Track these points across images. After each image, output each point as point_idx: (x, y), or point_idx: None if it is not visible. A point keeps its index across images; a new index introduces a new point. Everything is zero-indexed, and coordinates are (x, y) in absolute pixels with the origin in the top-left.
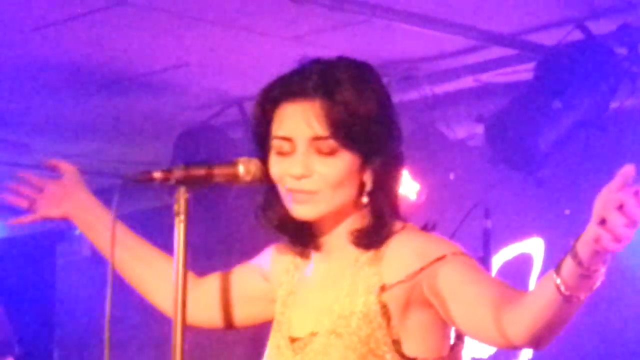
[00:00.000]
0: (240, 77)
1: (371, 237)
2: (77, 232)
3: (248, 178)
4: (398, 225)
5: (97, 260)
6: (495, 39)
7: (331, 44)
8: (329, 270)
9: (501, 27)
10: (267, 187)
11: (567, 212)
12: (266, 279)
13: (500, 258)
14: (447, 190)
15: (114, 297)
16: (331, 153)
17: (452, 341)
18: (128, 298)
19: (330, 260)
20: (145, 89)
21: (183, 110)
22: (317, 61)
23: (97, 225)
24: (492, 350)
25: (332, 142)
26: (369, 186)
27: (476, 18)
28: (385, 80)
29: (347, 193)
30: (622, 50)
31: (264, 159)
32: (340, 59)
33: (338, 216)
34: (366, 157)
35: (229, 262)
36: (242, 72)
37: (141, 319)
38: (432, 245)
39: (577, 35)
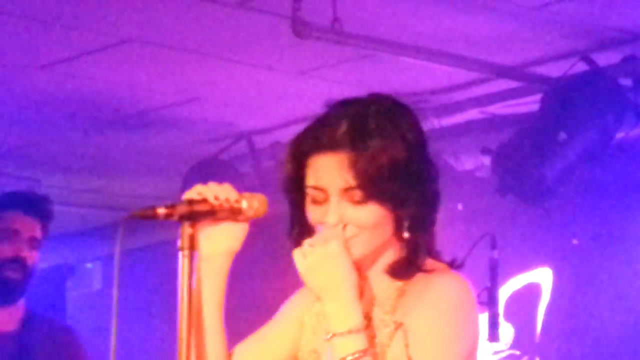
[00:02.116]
0: (248, 111)
1: (402, 269)
2: (89, 265)
3: (251, 213)
4: (430, 263)
5: (108, 293)
6: (501, 71)
7: (337, 78)
8: (361, 296)
9: (507, 59)
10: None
11: (575, 242)
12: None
13: (508, 288)
14: (455, 221)
15: (126, 332)
16: (362, 202)
17: None
18: (138, 332)
19: (367, 287)
20: (154, 124)
21: (192, 145)
22: (346, 106)
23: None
24: None
25: (360, 193)
26: (406, 225)
27: (482, 51)
28: None
29: (384, 235)
30: (627, 82)
31: (299, 206)
32: (371, 101)
33: (377, 253)
34: (397, 203)
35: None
36: (250, 106)
37: (151, 353)
38: (432, 307)
39: (583, 66)
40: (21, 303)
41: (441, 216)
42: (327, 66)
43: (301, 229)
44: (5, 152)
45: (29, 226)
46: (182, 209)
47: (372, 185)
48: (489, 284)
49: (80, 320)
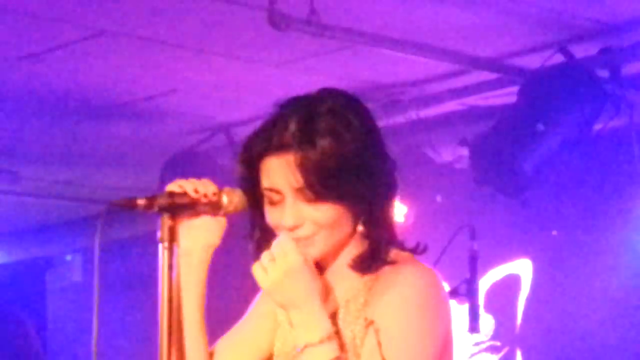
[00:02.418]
0: (227, 103)
1: (367, 263)
2: (68, 257)
3: (231, 208)
4: (395, 254)
5: (88, 285)
6: (479, 63)
7: (315, 70)
8: (331, 299)
9: (485, 51)
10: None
11: (554, 233)
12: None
13: (488, 279)
14: (434, 213)
15: (106, 324)
16: (316, 201)
17: None
18: (119, 324)
19: (334, 285)
20: (132, 116)
21: (170, 137)
22: (295, 105)
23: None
24: None
25: (311, 193)
26: (363, 220)
27: (460, 43)
28: (370, 105)
29: (342, 231)
30: (603, 73)
31: (258, 207)
32: (321, 98)
33: (337, 249)
34: (351, 201)
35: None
36: (228, 98)
37: (132, 346)
38: (400, 300)
39: (560, 58)
40: None
41: (420, 208)
42: (304, 58)
43: (262, 232)
44: None
45: None
46: (162, 201)
47: (323, 184)
48: (468, 276)
49: (61, 312)
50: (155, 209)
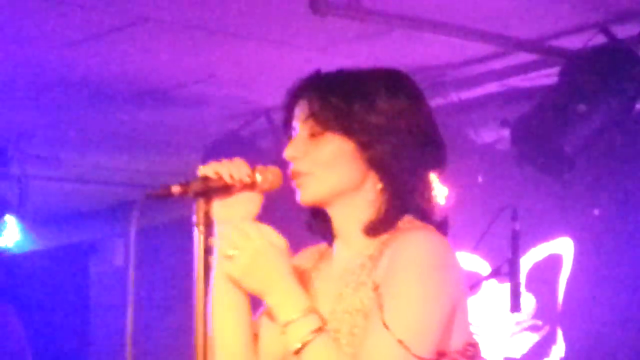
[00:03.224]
0: (267, 87)
1: (377, 226)
2: (111, 242)
3: (266, 186)
4: (409, 222)
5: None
6: (520, 44)
7: (355, 54)
8: (345, 261)
9: (526, 32)
10: None
11: (596, 212)
12: None
13: (530, 259)
14: (475, 194)
15: (148, 308)
16: (318, 134)
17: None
18: (160, 309)
19: (348, 250)
20: (174, 102)
21: (211, 122)
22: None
23: None
24: (524, 350)
25: (315, 124)
26: (376, 176)
27: (501, 24)
28: None
29: (343, 176)
30: None
31: None
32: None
33: (345, 204)
34: (356, 141)
35: None
36: (268, 82)
37: (172, 327)
38: (403, 264)
39: (601, 39)
40: None
41: (462, 189)
42: (345, 42)
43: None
44: (27, 131)
45: None
46: (196, 187)
47: (332, 111)
48: (510, 255)
49: (103, 296)
50: (191, 195)
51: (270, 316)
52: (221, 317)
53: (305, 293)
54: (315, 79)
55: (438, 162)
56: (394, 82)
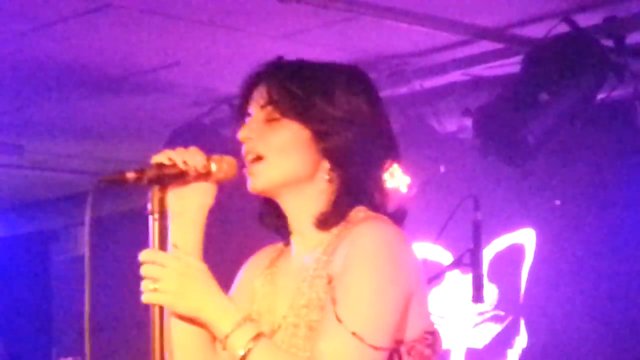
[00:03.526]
0: (230, 75)
1: (327, 219)
2: (73, 230)
3: (220, 175)
4: (363, 213)
5: (92, 258)
6: (483, 33)
7: (319, 42)
8: (302, 256)
9: (488, 21)
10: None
11: (557, 202)
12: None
13: (492, 249)
14: (437, 183)
15: (109, 295)
16: (276, 119)
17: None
18: (121, 293)
19: (304, 245)
20: (136, 88)
21: (174, 109)
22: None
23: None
24: (486, 340)
25: (273, 110)
26: (326, 164)
27: (463, 13)
28: (373, 75)
29: (297, 164)
30: (608, 42)
31: None
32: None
33: (297, 195)
34: (312, 130)
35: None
36: (232, 70)
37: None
38: (355, 256)
39: (564, 28)
40: None
41: (423, 178)
42: (308, 30)
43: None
44: None
45: None
46: (150, 173)
47: (291, 97)
48: (472, 246)
49: (64, 284)
50: (145, 181)
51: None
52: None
53: (235, 304)
54: (276, 66)
55: (390, 156)
56: (353, 78)
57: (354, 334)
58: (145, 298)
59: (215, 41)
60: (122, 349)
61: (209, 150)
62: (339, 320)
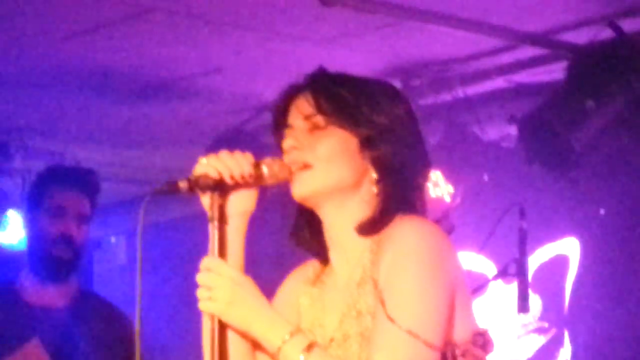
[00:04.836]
0: (272, 81)
1: (370, 225)
2: (113, 239)
3: (273, 179)
4: (399, 219)
5: (133, 267)
6: (527, 38)
7: (361, 47)
8: (347, 272)
9: (532, 26)
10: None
11: (602, 212)
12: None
13: (536, 259)
14: (481, 192)
15: (151, 307)
16: (321, 128)
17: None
18: (163, 306)
19: (347, 260)
20: (178, 95)
21: (216, 116)
22: None
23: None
24: (530, 352)
25: (320, 118)
26: (373, 173)
27: (507, 18)
28: (416, 82)
29: (344, 172)
30: None
31: None
32: None
33: (340, 204)
34: (361, 137)
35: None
36: (274, 76)
37: (177, 326)
38: (398, 255)
39: (609, 33)
40: (74, 281)
41: (467, 187)
42: (351, 35)
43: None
44: (30, 125)
45: (76, 202)
46: (204, 182)
47: (329, 108)
48: (517, 255)
49: (106, 294)
50: (199, 190)
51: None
52: None
53: (283, 317)
54: (320, 76)
55: (427, 167)
56: (392, 90)
57: (408, 331)
58: (200, 306)
59: (257, 47)
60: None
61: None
62: (391, 320)
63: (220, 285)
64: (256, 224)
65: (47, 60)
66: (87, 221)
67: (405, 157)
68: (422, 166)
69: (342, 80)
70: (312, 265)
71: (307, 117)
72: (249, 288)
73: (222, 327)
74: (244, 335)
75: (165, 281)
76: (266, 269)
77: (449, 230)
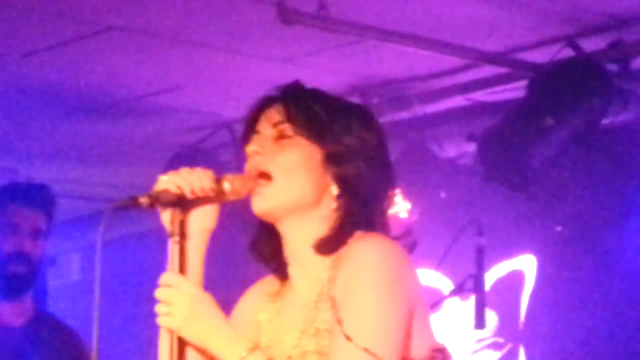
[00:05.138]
0: (231, 99)
1: (328, 244)
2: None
3: (234, 195)
4: (360, 235)
5: (87, 284)
6: (486, 57)
7: (321, 65)
8: (306, 288)
9: (492, 45)
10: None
11: (558, 228)
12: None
13: (492, 275)
14: (438, 209)
15: (104, 325)
16: (287, 137)
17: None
18: (117, 323)
19: (306, 277)
20: (135, 112)
21: (174, 134)
22: None
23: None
24: None
25: (287, 127)
26: (334, 190)
27: (466, 37)
28: (375, 100)
29: (305, 186)
30: (613, 67)
31: None
32: None
33: (300, 219)
34: (326, 152)
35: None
36: (233, 94)
37: (133, 343)
38: (354, 273)
39: (569, 52)
40: (28, 298)
41: (424, 204)
42: (311, 53)
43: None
44: None
45: (31, 218)
46: (165, 198)
47: (296, 117)
48: (474, 271)
49: (60, 310)
50: (159, 206)
51: None
52: None
53: (241, 335)
54: (295, 88)
55: (392, 186)
56: (365, 113)
57: (365, 349)
58: (159, 321)
59: (216, 64)
60: None
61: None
62: (348, 339)
63: (180, 301)
64: (217, 238)
65: (5, 78)
66: (43, 237)
67: (369, 178)
68: (386, 190)
69: (316, 95)
70: (271, 281)
71: (275, 125)
72: (207, 304)
73: (181, 343)
74: (202, 351)
75: (122, 298)
76: (226, 285)
77: (412, 247)
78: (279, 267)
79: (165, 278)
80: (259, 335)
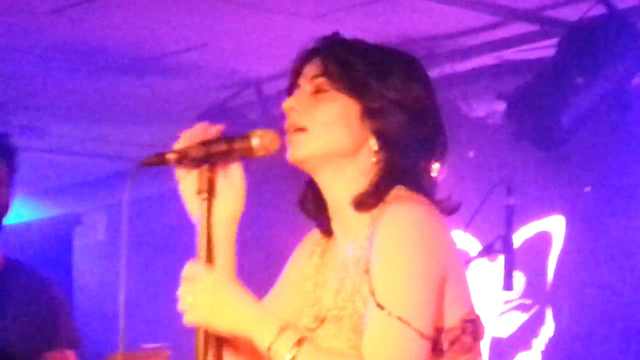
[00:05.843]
0: (258, 57)
1: (364, 201)
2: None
3: (262, 152)
4: (397, 193)
5: (112, 243)
6: (517, 15)
7: (351, 23)
8: (345, 248)
9: (523, 2)
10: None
11: (587, 189)
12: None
13: (520, 236)
14: (467, 169)
15: (130, 283)
16: (324, 91)
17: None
18: (143, 282)
19: (347, 235)
20: (163, 70)
21: (200, 92)
22: None
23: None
24: (512, 329)
25: (324, 81)
26: (374, 144)
27: None
28: None
29: (341, 138)
30: None
31: None
32: None
33: (336, 171)
34: (362, 103)
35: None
36: (260, 52)
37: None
38: (384, 239)
39: (600, 9)
40: None
41: (452, 163)
42: (338, 10)
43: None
44: (12, 100)
45: None
46: (195, 152)
47: (334, 72)
48: (503, 232)
49: (86, 269)
50: (188, 161)
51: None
52: None
53: (271, 313)
54: (334, 40)
55: (440, 153)
56: (411, 64)
57: (399, 318)
58: (185, 318)
59: (243, 22)
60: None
61: (236, 133)
62: (381, 308)
63: (202, 291)
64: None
65: (31, 35)
66: (5, 185)
67: (411, 133)
68: (432, 144)
69: (355, 47)
70: (317, 239)
71: (312, 79)
72: (231, 289)
73: (218, 342)
74: (236, 347)
75: (147, 257)
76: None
77: (455, 209)
78: (324, 223)
79: (185, 271)
80: (305, 292)
